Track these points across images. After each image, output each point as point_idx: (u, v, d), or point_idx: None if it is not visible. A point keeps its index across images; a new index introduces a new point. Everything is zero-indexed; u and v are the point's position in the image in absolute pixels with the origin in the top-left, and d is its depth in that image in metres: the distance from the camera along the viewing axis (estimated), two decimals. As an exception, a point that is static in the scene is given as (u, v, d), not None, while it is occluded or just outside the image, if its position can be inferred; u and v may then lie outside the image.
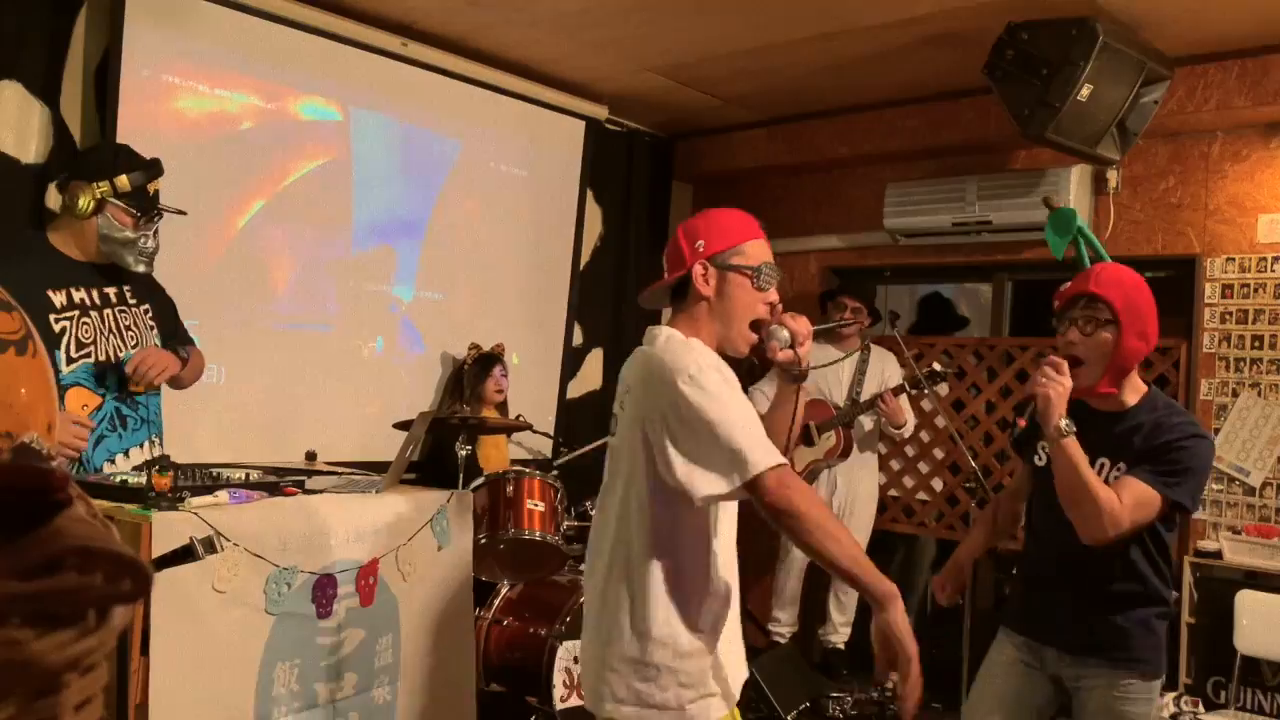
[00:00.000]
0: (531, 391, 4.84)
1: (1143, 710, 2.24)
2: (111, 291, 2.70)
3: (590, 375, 5.35)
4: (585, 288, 5.19)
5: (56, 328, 2.55)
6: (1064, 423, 2.15)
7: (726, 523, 1.97)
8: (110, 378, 2.65)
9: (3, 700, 0.50)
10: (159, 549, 2.04)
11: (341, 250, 4.22)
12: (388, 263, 4.39)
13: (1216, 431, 4.14)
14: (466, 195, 4.67)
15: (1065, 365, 2.20)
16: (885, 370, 4.72)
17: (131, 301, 2.75)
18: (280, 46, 3.88)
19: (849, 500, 4.72)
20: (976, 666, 2.66)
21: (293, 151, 4.01)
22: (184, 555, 1.89)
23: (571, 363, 5.16)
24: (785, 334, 1.94)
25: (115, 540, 0.56)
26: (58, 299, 2.57)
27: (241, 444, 3.30)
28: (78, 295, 2.61)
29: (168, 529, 2.12)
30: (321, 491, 2.67)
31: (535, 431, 4.35)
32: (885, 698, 4.32)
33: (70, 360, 2.56)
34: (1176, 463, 2.18)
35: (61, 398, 2.53)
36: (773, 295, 1.95)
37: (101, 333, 2.64)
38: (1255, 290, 4.11)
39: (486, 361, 4.37)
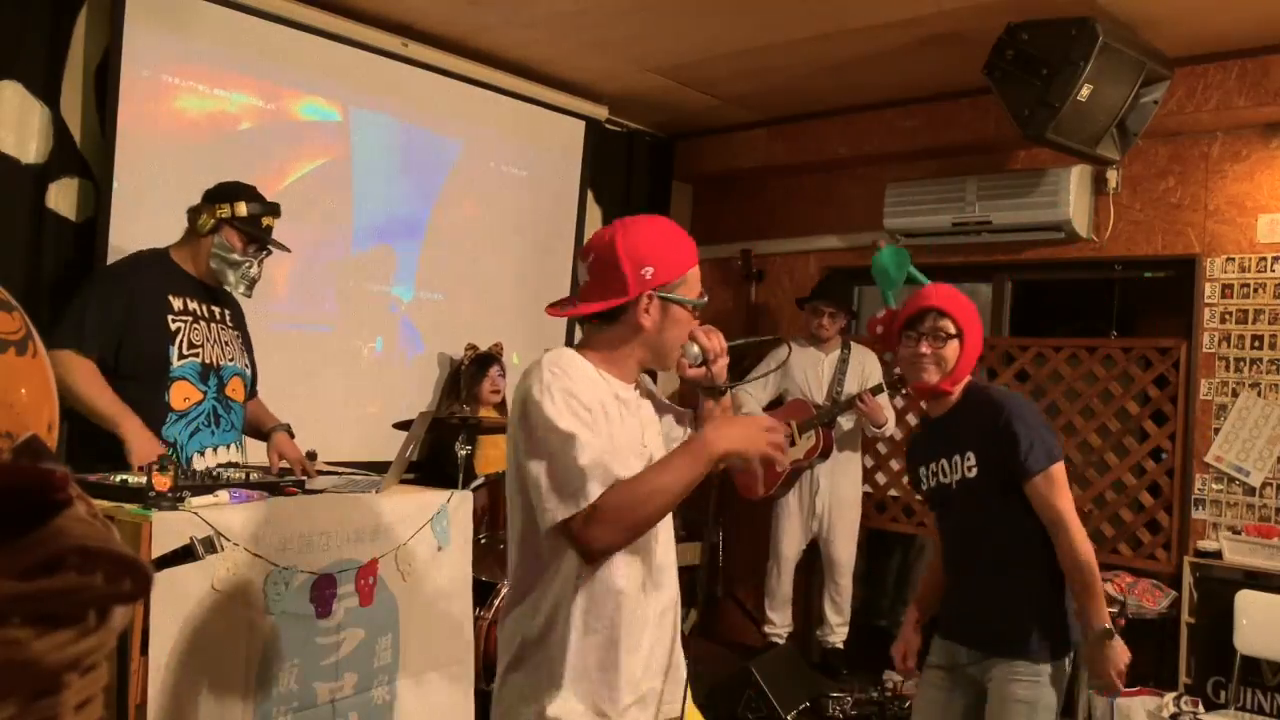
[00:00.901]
0: (531, 391, 4.84)
1: (1041, 695, 2.34)
2: (217, 310, 3.02)
3: (590, 375, 5.35)
4: (585, 288, 5.18)
5: (172, 327, 2.84)
6: (1107, 626, 2.32)
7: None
8: (212, 379, 2.92)
9: (3, 700, 0.50)
10: (159, 549, 2.04)
11: (341, 250, 4.22)
12: (388, 263, 4.39)
13: (1216, 431, 4.14)
14: (466, 195, 4.67)
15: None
16: (866, 369, 4.74)
17: (230, 325, 3.06)
18: (280, 46, 3.88)
19: (832, 501, 4.73)
20: None
21: (293, 151, 4.01)
22: (184, 555, 1.89)
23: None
24: (695, 350, 1.88)
25: (115, 540, 0.56)
26: (176, 303, 2.88)
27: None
28: (192, 304, 2.92)
29: (168, 529, 2.12)
30: (321, 491, 2.67)
31: (535, 431, 4.35)
32: (885, 698, 4.32)
33: (181, 356, 2.85)
34: (1024, 436, 2.33)
35: (169, 388, 2.81)
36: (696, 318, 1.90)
37: (209, 339, 2.94)
38: (1255, 290, 4.11)
39: (484, 362, 4.37)
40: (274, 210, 3.04)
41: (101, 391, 2.69)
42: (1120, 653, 2.31)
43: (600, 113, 5.06)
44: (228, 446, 2.96)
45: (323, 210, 4.12)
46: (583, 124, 5.02)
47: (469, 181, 4.66)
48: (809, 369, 4.77)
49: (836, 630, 4.74)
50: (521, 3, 3.88)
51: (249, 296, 3.06)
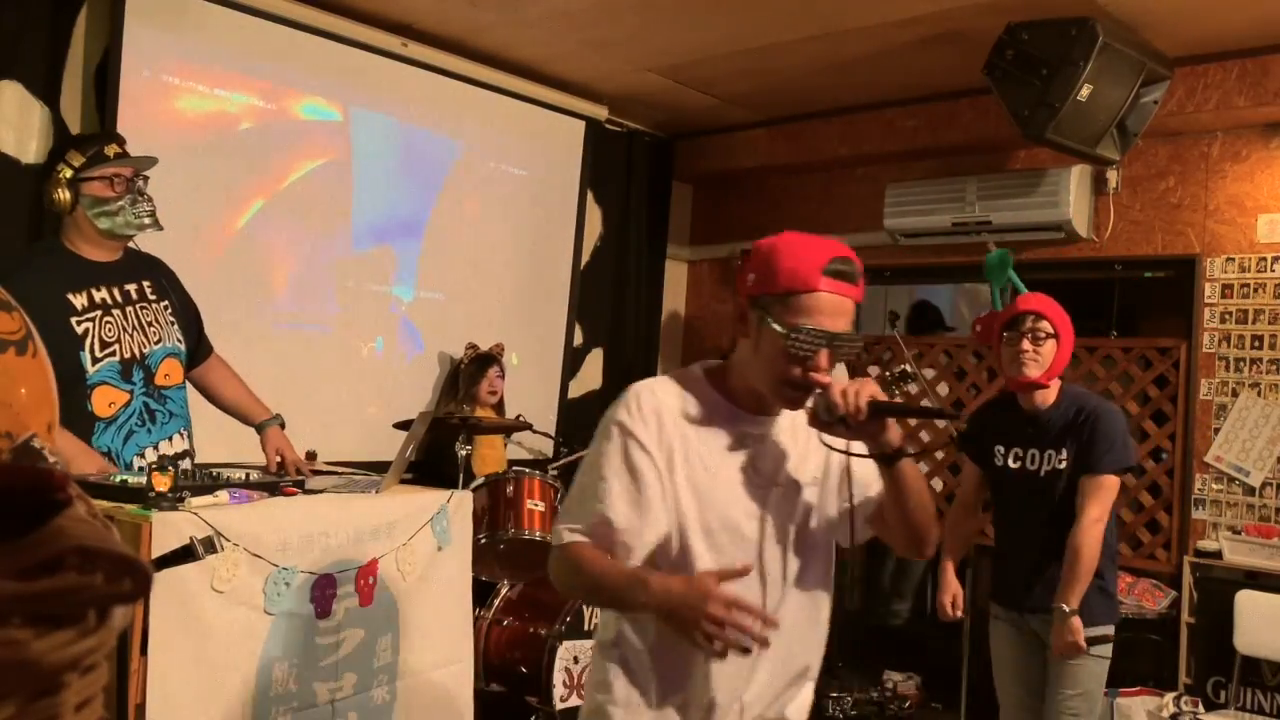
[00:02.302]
0: (531, 391, 4.84)
1: (1098, 650, 2.75)
2: (132, 289, 2.71)
3: (590, 375, 5.35)
4: (585, 288, 5.19)
5: (79, 329, 2.57)
6: (1073, 609, 2.70)
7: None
8: (137, 373, 2.66)
9: (3, 700, 0.50)
10: (159, 549, 2.04)
11: (341, 250, 4.22)
12: (388, 263, 4.39)
13: (1216, 431, 4.14)
14: (466, 195, 4.67)
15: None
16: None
17: (152, 298, 2.75)
18: (280, 46, 3.88)
19: None
20: (976, 667, 2.75)
21: (293, 151, 4.01)
22: (184, 555, 1.89)
23: (571, 363, 5.16)
24: (823, 404, 1.59)
25: (115, 540, 0.56)
26: (78, 301, 2.59)
27: (241, 444, 3.30)
28: (98, 295, 2.63)
29: (168, 529, 2.12)
30: (321, 491, 2.67)
31: (535, 431, 4.35)
32: (885, 698, 4.32)
33: (95, 360, 2.59)
34: (1106, 438, 2.72)
35: (90, 397, 2.57)
36: (818, 365, 1.58)
37: (125, 330, 2.65)
38: (1255, 290, 4.11)
39: (483, 362, 4.36)
40: (111, 136, 2.74)
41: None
42: (1076, 630, 2.68)
43: (600, 113, 5.06)
44: (170, 439, 2.74)
45: (323, 210, 4.12)
46: (582, 124, 5.02)
47: (469, 181, 4.66)
48: None
49: None
50: (521, 2, 3.88)
51: (160, 228, 2.74)
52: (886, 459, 1.62)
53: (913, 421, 4.46)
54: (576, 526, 1.65)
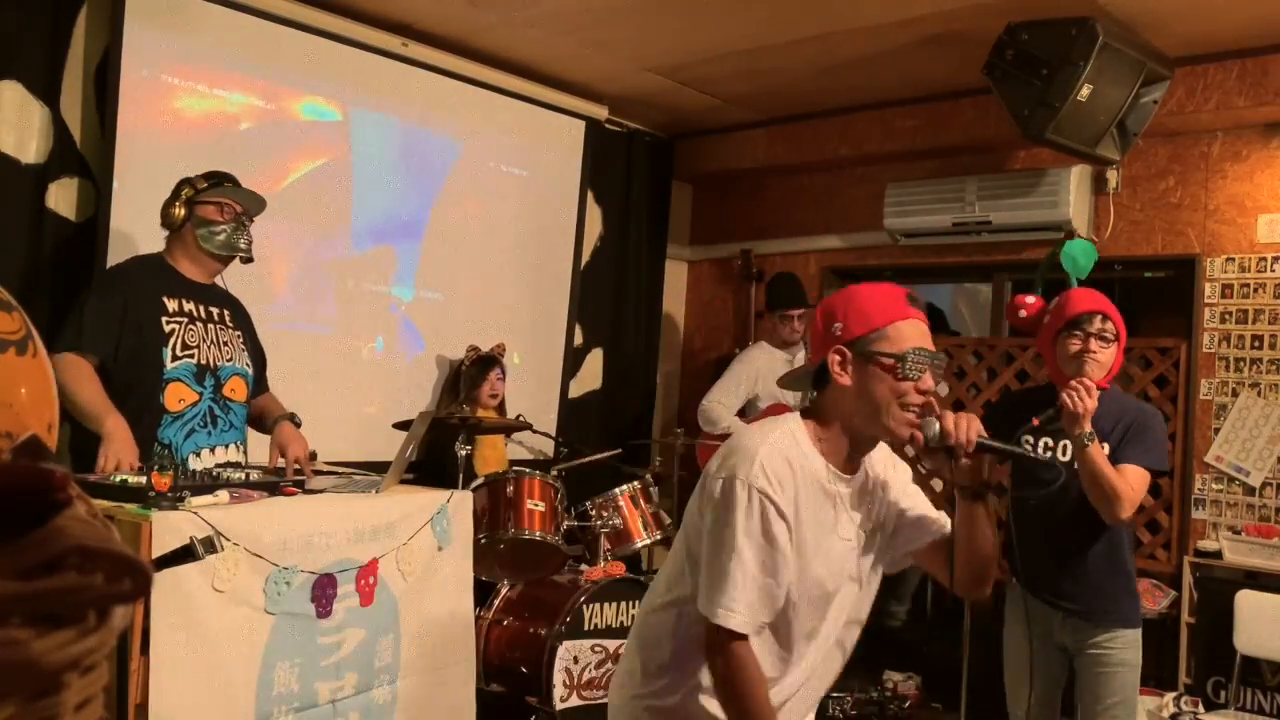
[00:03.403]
0: (532, 391, 4.84)
1: (1133, 657, 2.70)
2: (215, 311, 3.01)
3: (590, 375, 5.35)
4: (585, 288, 5.19)
5: (166, 329, 2.84)
6: (1088, 432, 2.57)
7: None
8: (209, 380, 2.91)
9: (3, 700, 0.50)
10: (159, 549, 2.04)
11: (341, 250, 4.22)
12: (387, 263, 4.39)
13: (1216, 431, 4.14)
14: (466, 195, 4.66)
15: (1094, 387, 2.59)
16: None
17: (230, 325, 3.04)
18: (280, 46, 3.88)
19: None
20: (976, 666, 2.72)
21: (292, 151, 4.01)
22: (184, 555, 1.89)
23: (572, 363, 5.16)
24: (935, 429, 1.68)
25: (115, 540, 0.56)
26: (171, 305, 2.88)
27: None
28: (188, 305, 2.93)
29: (168, 529, 2.12)
30: (321, 491, 2.67)
31: (536, 431, 4.35)
32: (885, 698, 4.32)
33: (175, 358, 2.85)
34: (1145, 438, 2.68)
35: (164, 390, 2.81)
36: (927, 383, 1.69)
37: (205, 341, 2.93)
38: (1255, 290, 4.11)
39: (484, 364, 4.36)
40: (230, 176, 3.04)
41: (93, 389, 2.67)
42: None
43: (600, 113, 5.06)
44: (226, 447, 2.95)
45: (323, 210, 4.12)
46: (583, 124, 5.02)
47: (469, 181, 4.66)
48: (781, 374, 4.76)
49: None
50: (521, 3, 3.88)
51: (252, 260, 3.06)
52: (975, 494, 1.73)
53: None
54: (734, 610, 1.65)
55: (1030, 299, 2.96)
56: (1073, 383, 2.59)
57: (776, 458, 1.68)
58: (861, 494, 1.79)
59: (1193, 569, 4.01)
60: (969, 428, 1.67)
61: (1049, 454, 2.79)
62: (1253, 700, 3.73)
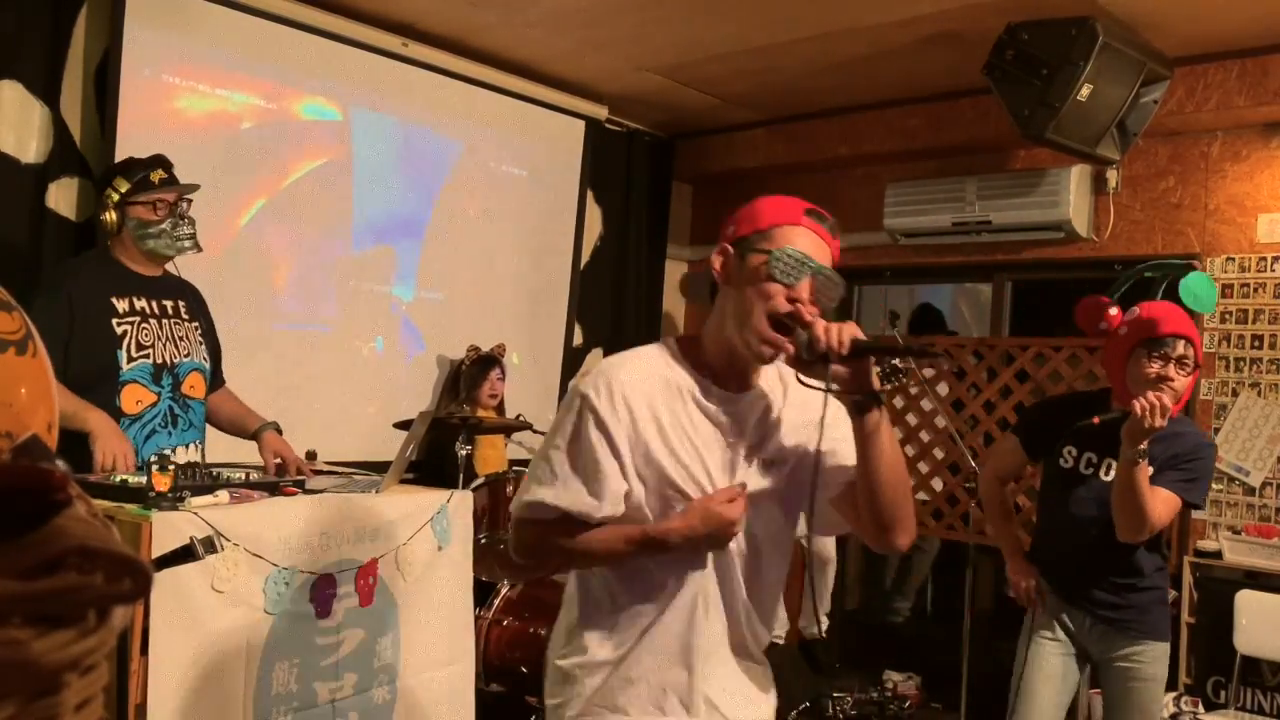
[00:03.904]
0: (532, 391, 4.84)
1: (1161, 671, 2.66)
2: (169, 304, 2.91)
3: (590, 375, 5.34)
4: (585, 288, 5.19)
5: (119, 330, 2.76)
6: (1141, 449, 2.45)
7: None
8: (166, 378, 2.85)
9: (3, 700, 0.50)
10: (159, 549, 2.04)
11: (342, 250, 4.22)
12: (388, 263, 4.39)
13: (1216, 431, 4.14)
14: (466, 195, 4.66)
15: (1169, 408, 2.44)
16: None
17: (185, 316, 2.95)
18: (280, 46, 3.88)
19: None
20: (977, 667, 2.73)
21: (293, 151, 4.01)
22: (184, 555, 1.89)
23: (571, 363, 5.16)
24: (804, 337, 1.55)
25: (115, 540, 0.56)
26: (120, 305, 2.79)
27: (241, 444, 3.31)
28: (139, 303, 2.83)
29: (168, 529, 2.12)
30: (321, 491, 2.67)
31: (536, 431, 4.35)
32: (885, 698, 4.32)
33: (130, 359, 2.77)
34: (1192, 470, 2.59)
35: (119, 393, 2.74)
36: (801, 292, 1.56)
37: (160, 338, 2.85)
38: (1255, 290, 4.11)
39: (484, 364, 4.36)
40: (158, 161, 2.90)
41: (61, 391, 2.63)
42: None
43: (600, 112, 5.06)
44: (187, 447, 2.88)
45: (323, 210, 4.12)
46: (583, 124, 5.02)
47: (469, 181, 4.66)
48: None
49: (818, 620, 4.73)
50: (521, 2, 3.88)
51: (199, 249, 2.94)
52: (863, 403, 1.57)
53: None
54: (530, 497, 1.63)
55: (1114, 310, 2.74)
56: (1152, 394, 2.41)
57: (622, 370, 1.62)
58: (749, 414, 1.67)
59: (1193, 569, 4.01)
60: (842, 331, 1.54)
61: (1086, 462, 2.70)
62: (1253, 700, 3.73)
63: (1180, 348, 2.51)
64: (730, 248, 1.64)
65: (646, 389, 1.62)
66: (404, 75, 4.28)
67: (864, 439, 1.59)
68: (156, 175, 2.85)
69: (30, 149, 3.37)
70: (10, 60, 3.30)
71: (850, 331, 1.55)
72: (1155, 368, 2.50)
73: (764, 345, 1.57)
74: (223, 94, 3.77)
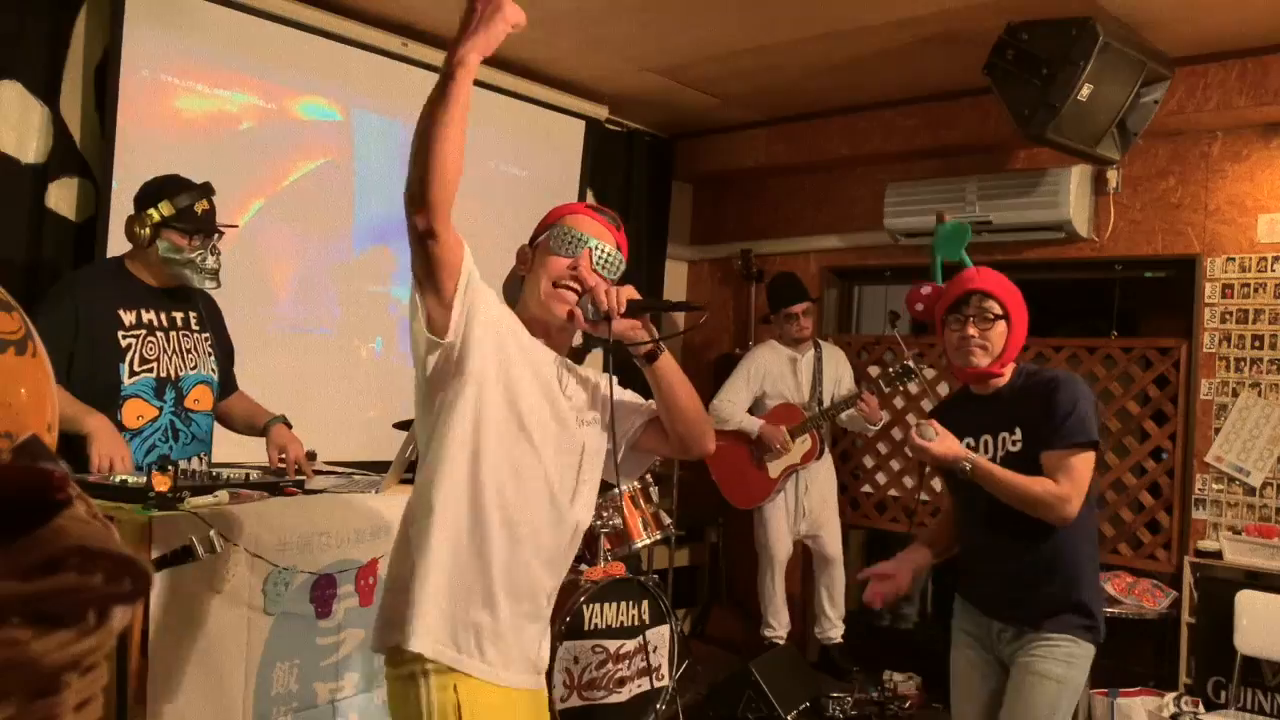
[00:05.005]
0: (531, 391, 4.84)
1: (1065, 672, 2.36)
2: (179, 316, 2.91)
3: (590, 375, 5.35)
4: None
5: (123, 343, 2.76)
6: (962, 466, 2.35)
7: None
8: (169, 393, 2.84)
9: (3, 700, 0.49)
10: (159, 549, 2.04)
11: (342, 251, 4.22)
12: (388, 263, 4.39)
13: (1217, 431, 4.14)
14: (466, 195, 4.62)
15: (935, 424, 2.38)
16: (838, 368, 4.80)
17: (195, 328, 2.95)
18: (280, 46, 3.88)
19: (818, 498, 4.76)
20: None
21: (293, 151, 4.01)
22: (184, 555, 1.89)
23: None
24: (589, 303, 1.86)
25: (115, 540, 0.56)
26: (127, 318, 2.79)
27: (241, 444, 3.31)
28: (146, 316, 2.83)
29: (168, 529, 2.12)
30: (321, 491, 2.67)
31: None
32: (885, 698, 4.32)
33: (132, 373, 2.77)
34: (1065, 413, 2.34)
35: (121, 407, 2.73)
36: (581, 263, 1.88)
37: (165, 352, 2.84)
38: (1255, 290, 4.11)
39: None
40: (205, 191, 2.92)
41: (61, 395, 2.61)
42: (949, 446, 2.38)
43: (600, 113, 5.06)
44: (189, 461, 2.84)
45: (323, 210, 4.11)
46: (582, 124, 5.02)
47: (469, 181, 4.59)
48: (788, 372, 4.78)
49: (836, 624, 4.74)
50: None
51: (218, 286, 2.95)
52: (652, 353, 1.87)
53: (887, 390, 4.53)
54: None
55: (926, 288, 2.69)
56: (912, 433, 2.38)
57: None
58: (580, 381, 1.96)
59: (1193, 569, 4.02)
60: (620, 293, 1.84)
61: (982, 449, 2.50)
62: (1253, 700, 3.73)
63: (974, 303, 2.43)
64: (529, 248, 2.01)
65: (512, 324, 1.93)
66: (404, 75, 4.28)
67: (658, 381, 1.89)
68: (201, 207, 2.88)
69: (30, 149, 3.37)
70: (10, 60, 3.30)
71: (627, 293, 1.85)
72: (956, 332, 2.45)
73: (551, 302, 1.88)
74: (222, 94, 3.77)
